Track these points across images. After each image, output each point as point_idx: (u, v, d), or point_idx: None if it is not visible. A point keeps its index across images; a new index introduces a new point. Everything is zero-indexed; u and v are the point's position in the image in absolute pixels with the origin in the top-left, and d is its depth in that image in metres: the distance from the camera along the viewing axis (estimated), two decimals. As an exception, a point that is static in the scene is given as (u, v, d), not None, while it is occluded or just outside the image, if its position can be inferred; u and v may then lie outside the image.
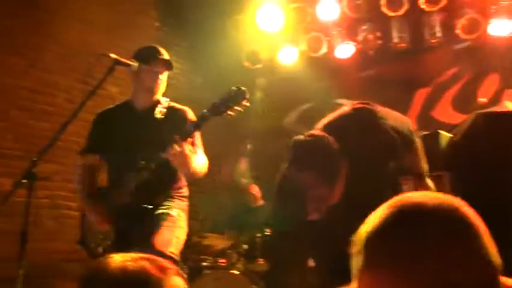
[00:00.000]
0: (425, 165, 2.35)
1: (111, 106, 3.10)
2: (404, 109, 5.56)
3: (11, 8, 4.53)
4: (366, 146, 2.16)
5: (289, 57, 6.05)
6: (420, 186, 2.20)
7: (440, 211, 0.82)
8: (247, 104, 2.56)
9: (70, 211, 3.04)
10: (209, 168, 2.92)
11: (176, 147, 2.54)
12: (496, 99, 5.07)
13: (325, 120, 2.34)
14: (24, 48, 4.67)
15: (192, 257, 4.45)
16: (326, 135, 2.17)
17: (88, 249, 2.89)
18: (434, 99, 5.67)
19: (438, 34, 5.34)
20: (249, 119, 2.55)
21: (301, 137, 2.19)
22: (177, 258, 2.68)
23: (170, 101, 3.02)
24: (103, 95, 4.04)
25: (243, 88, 2.56)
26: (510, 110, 3.12)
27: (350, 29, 5.72)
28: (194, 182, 3.02)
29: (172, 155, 2.57)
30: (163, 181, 2.80)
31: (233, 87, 2.56)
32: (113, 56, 2.77)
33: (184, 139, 2.57)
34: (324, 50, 5.82)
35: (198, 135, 2.88)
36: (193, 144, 2.73)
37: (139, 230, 2.78)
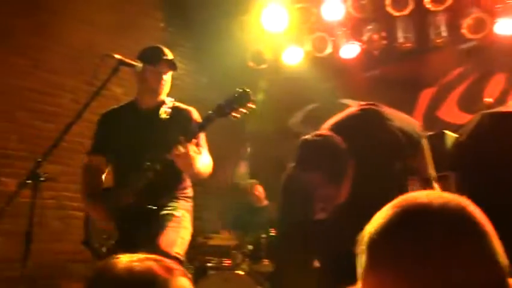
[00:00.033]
0: (432, 171, 2.34)
1: (115, 106, 3.10)
2: (409, 109, 5.54)
3: (16, 9, 4.55)
4: (372, 146, 2.16)
5: (294, 57, 6.05)
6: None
7: (446, 210, 0.80)
8: (253, 106, 2.56)
9: (75, 212, 3.05)
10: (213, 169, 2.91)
11: (181, 148, 2.54)
12: (502, 99, 5.04)
13: (332, 121, 2.34)
14: (29, 49, 4.69)
15: (196, 258, 4.45)
16: (333, 134, 2.17)
17: (92, 250, 2.89)
18: (440, 99, 5.65)
19: (444, 34, 5.32)
20: (249, 121, 2.55)
21: (308, 136, 2.18)
22: (182, 258, 2.68)
23: (175, 101, 3.01)
24: (107, 96, 4.04)
25: (248, 90, 2.55)
26: (516, 109, 3.10)
27: (354, 29, 5.71)
28: (198, 182, 3.02)
29: (176, 156, 2.56)
30: (167, 182, 2.80)
31: (238, 89, 2.55)
32: (117, 56, 2.77)
33: (189, 140, 2.57)
34: (329, 50, 5.81)
35: (202, 136, 2.88)
36: (197, 144, 2.72)
37: (143, 231, 2.77)
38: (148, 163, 2.70)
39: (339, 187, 2.13)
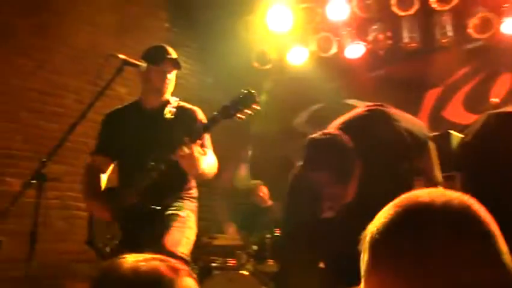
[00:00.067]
0: (438, 173, 2.32)
1: (120, 106, 3.10)
2: (414, 109, 5.52)
3: (19, 10, 4.57)
4: (379, 146, 2.15)
5: (298, 57, 6.04)
6: None
7: (448, 209, 0.78)
8: (258, 107, 2.55)
9: (80, 212, 3.05)
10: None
11: (185, 149, 2.54)
12: (508, 99, 5.01)
13: (339, 121, 2.34)
14: (33, 49, 4.70)
15: (201, 258, 4.45)
16: (341, 133, 2.16)
17: (96, 249, 2.90)
18: (445, 99, 5.62)
19: (450, 34, 5.29)
20: (253, 122, 2.55)
21: (316, 135, 2.18)
22: (188, 258, 2.68)
23: (180, 100, 3.01)
24: (111, 96, 4.04)
25: (253, 91, 2.55)
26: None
27: (360, 29, 5.69)
28: (203, 183, 3.02)
29: (181, 156, 2.56)
30: (172, 182, 2.79)
31: (243, 90, 2.55)
32: (121, 56, 2.77)
33: (194, 141, 2.56)
34: (333, 50, 5.80)
35: (207, 136, 2.87)
36: (202, 145, 2.72)
37: (148, 231, 2.77)
38: (152, 163, 2.70)
39: (347, 186, 2.13)
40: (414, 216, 0.79)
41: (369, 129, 2.23)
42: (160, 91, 2.92)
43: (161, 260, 1.03)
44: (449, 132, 3.11)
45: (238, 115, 2.53)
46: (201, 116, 2.93)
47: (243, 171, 5.51)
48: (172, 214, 2.78)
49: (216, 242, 4.75)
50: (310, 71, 5.98)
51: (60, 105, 4.79)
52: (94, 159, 3.05)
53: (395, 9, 5.24)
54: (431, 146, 2.35)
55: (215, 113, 2.57)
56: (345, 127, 2.23)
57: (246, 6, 5.71)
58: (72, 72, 4.86)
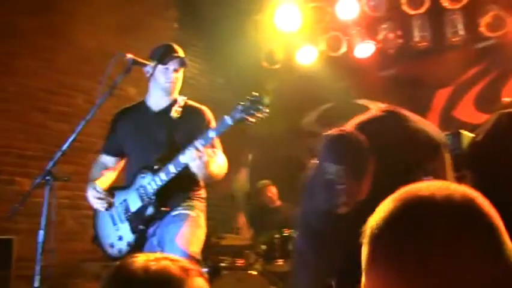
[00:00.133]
0: (451, 180, 2.31)
1: (128, 105, 3.11)
2: (424, 109, 5.48)
3: (27, 11, 4.59)
4: (392, 145, 2.16)
5: (308, 57, 6.02)
6: None
7: (450, 202, 0.76)
8: (267, 111, 2.55)
9: (90, 211, 3.07)
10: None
11: (197, 153, 2.54)
12: (521, 98, 4.96)
13: (353, 122, 2.34)
14: (42, 50, 4.73)
15: (210, 258, 4.45)
16: (356, 131, 2.18)
17: (102, 248, 2.91)
18: (456, 99, 5.58)
19: (461, 32, 5.24)
20: (250, 127, 2.54)
21: (331, 132, 2.20)
22: (199, 257, 2.68)
23: (188, 99, 3.00)
24: (121, 96, 4.07)
25: (263, 95, 2.54)
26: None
27: (369, 28, 5.66)
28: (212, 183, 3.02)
29: (192, 159, 2.56)
30: (182, 183, 2.79)
31: (254, 93, 2.54)
32: (129, 56, 2.78)
33: (204, 145, 2.57)
34: (343, 49, 5.77)
35: (217, 139, 2.86)
36: (212, 146, 2.72)
37: (158, 231, 2.78)
38: (156, 166, 2.72)
39: (361, 183, 2.13)
40: (413, 211, 0.77)
41: (384, 129, 2.24)
42: (167, 90, 2.92)
43: (171, 260, 1.03)
44: (460, 132, 3.08)
45: (249, 119, 2.53)
46: (209, 115, 2.93)
47: (243, 175, 5.48)
48: (183, 214, 2.78)
49: (225, 242, 4.75)
50: (320, 70, 5.96)
51: (70, 105, 4.82)
52: (103, 158, 3.08)
53: (405, 7, 5.20)
54: (446, 153, 2.34)
55: (226, 117, 2.57)
56: (360, 127, 2.24)
57: (254, 5, 5.70)
58: (81, 72, 4.89)
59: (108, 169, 3.05)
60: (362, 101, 5.74)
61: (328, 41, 5.83)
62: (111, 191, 2.90)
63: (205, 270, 3.92)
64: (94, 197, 2.83)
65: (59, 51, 4.83)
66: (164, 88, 2.91)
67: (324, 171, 2.14)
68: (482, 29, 5.00)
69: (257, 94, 2.53)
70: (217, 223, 4.62)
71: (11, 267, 3.83)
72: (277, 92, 5.66)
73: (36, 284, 2.53)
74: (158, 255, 1.06)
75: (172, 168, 2.67)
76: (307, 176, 2.45)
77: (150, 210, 2.78)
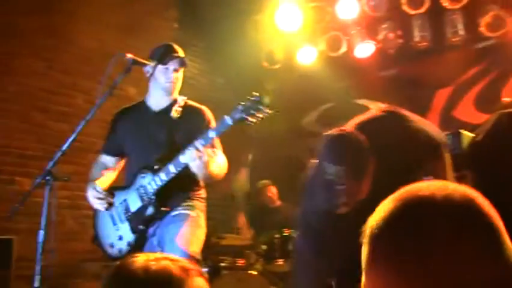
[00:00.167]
0: (451, 181, 2.31)
1: (128, 105, 3.11)
2: (424, 109, 5.48)
3: (29, 11, 4.59)
4: (392, 144, 2.16)
5: (308, 56, 6.02)
6: None
7: (450, 202, 0.75)
8: (269, 111, 2.54)
9: (90, 211, 3.07)
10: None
11: (197, 153, 2.54)
12: (521, 98, 4.95)
13: (354, 122, 2.34)
14: (43, 50, 4.73)
15: (210, 258, 4.45)
16: (357, 132, 2.18)
17: (102, 248, 2.91)
18: (456, 99, 5.58)
19: (461, 32, 5.24)
20: (250, 128, 2.53)
21: (332, 132, 2.20)
22: (199, 257, 2.68)
23: (188, 99, 3.00)
24: (121, 96, 4.07)
25: (264, 96, 2.54)
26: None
27: (369, 28, 5.65)
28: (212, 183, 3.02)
29: (192, 159, 2.56)
30: (181, 183, 2.79)
31: (254, 93, 2.54)
32: (129, 56, 2.78)
33: (204, 145, 2.57)
34: (343, 49, 5.76)
35: (217, 139, 2.86)
36: (212, 146, 2.72)
37: (158, 231, 2.78)
38: (156, 167, 2.72)
39: (361, 183, 2.13)
40: (414, 211, 0.77)
41: (384, 130, 2.24)
42: (167, 90, 2.92)
43: (171, 260, 1.04)
44: (460, 132, 3.08)
45: (250, 119, 2.52)
46: (209, 115, 2.93)
47: (243, 175, 5.48)
48: (183, 214, 2.78)
49: (225, 242, 4.75)
50: (320, 70, 5.96)
51: (70, 105, 4.82)
52: (103, 158, 3.08)
53: (405, 7, 5.20)
54: (446, 153, 2.34)
55: (226, 117, 2.56)
56: (360, 128, 2.24)
57: (254, 5, 5.70)
58: (81, 72, 4.89)
59: (108, 169, 3.05)
60: (362, 101, 5.74)
61: (328, 41, 5.83)
62: (111, 190, 2.90)
63: (205, 270, 3.93)
64: (94, 197, 2.83)
65: (59, 51, 4.83)
66: (164, 88, 2.91)
67: (324, 171, 2.14)
68: (482, 29, 5.00)
69: (257, 94, 2.53)
70: (217, 223, 4.61)
71: (11, 267, 3.83)
72: (278, 92, 5.66)
73: (36, 283, 2.53)
74: (158, 255, 1.06)
75: (172, 168, 2.67)
76: (308, 176, 2.45)
77: (150, 210, 2.78)
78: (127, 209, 2.86)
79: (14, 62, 4.52)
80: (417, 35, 5.46)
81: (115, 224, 2.89)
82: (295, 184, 2.63)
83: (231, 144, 2.96)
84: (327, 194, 2.15)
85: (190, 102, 2.98)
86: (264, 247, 4.68)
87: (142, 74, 2.97)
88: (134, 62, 2.78)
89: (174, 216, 2.76)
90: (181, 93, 3.02)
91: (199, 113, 2.93)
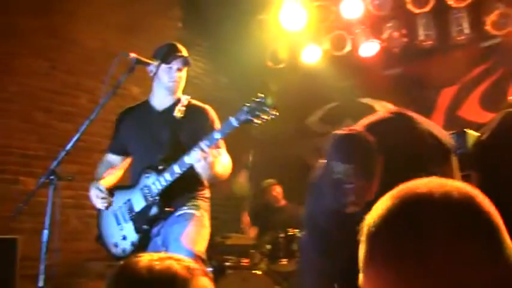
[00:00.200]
0: None
1: (131, 105, 3.11)
2: (429, 108, 5.46)
3: (31, 11, 4.60)
4: (400, 146, 2.15)
5: (312, 56, 6.01)
6: None
7: (448, 200, 0.74)
8: (274, 113, 2.53)
9: (94, 210, 3.07)
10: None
11: (202, 154, 2.53)
12: (527, 97, 4.93)
13: (362, 123, 2.34)
14: (46, 50, 4.74)
15: (215, 257, 4.45)
16: (366, 132, 2.17)
17: (106, 247, 2.91)
18: (461, 98, 5.55)
19: (466, 31, 5.21)
20: (255, 127, 2.52)
21: (341, 131, 2.19)
22: (204, 257, 2.67)
23: (192, 99, 3.00)
24: (124, 95, 4.07)
25: (269, 97, 2.53)
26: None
27: (374, 27, 5.64)
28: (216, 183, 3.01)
29: (197, 160, 2.56)
30: (186, 183, 2.79)
31: (259, 94, 2.53)
32: (133, 55, 2.77)
33: (209, 146, 2.56)
34: (348, 48, 5.75)
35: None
36: (217, 146, 2.71)
37: (162, 231, 2.78)
38: (161, 167, 2.72)
39: (370, 183, 2.12)
40: (411, 208, 0.75)
41: (393, 131, 2.23)
42: (171, 89, 2.92)
43: (176, 260, 1.04)
44: (465, 131, 3.07)
45: (255, 120, 2.51)
46: (212, 114, 2.92)
47: (243, 177, 5.46)
48: (188, 213, 2.78)
49: (229, 242, 4.75)
50: (324, 69, 5.95)
51: (74, 105, 4.83)
52: (109, 157, 3.09)
53: (410, 6, 5.18)
54: (454, 158, 2.33)
55: (231, 118, 2.55)
56: (369, 129, 2.23)
57: (259, 4, 5.69)
58: (84, 71, 4.90)
59: (114, 168, 3.05)
60: (367, 100, 5.73)
61: (332, 40, 5.82)
62: (111, 190, 2.90)
63: (209, 269, 3.93)
64: (97, 197, 2.83)
65: (62, 51, 4.84)
66: (167, 87, 2.91)
67: (332, 171, 2.12)
68: (488, 27, 4.98)
69: (262, 95, 2.51)
70: (221, 223, 4.61)
71: (16, 267, 3.83)
72: (282, 91, 5.66)
73: (41, 283, 2.53)
74: (162, 254, 1.06)
75: (177, 169, 2.67)
76: (315, 175, 2.44)
77: (154, 210, 2.77)
78: (131, 209, 2.86)
79: (14, 62, 4.53)
80: (422, 33, 5.44)
81: (119, 223, 2.89)
82: (300, 183, 2.62)
83: (234, 144, 2.95)
84: (336, 193, 2.13)
85: (194, 102, 2.97)
86: (268, 247, 4.68)
87: (145, 74, 2.97)
88: (138, 62, 2.78)
89: (179, 216, 2.76)
90: (185, 92, 3.01)
91: (202, 112, 2.92)
